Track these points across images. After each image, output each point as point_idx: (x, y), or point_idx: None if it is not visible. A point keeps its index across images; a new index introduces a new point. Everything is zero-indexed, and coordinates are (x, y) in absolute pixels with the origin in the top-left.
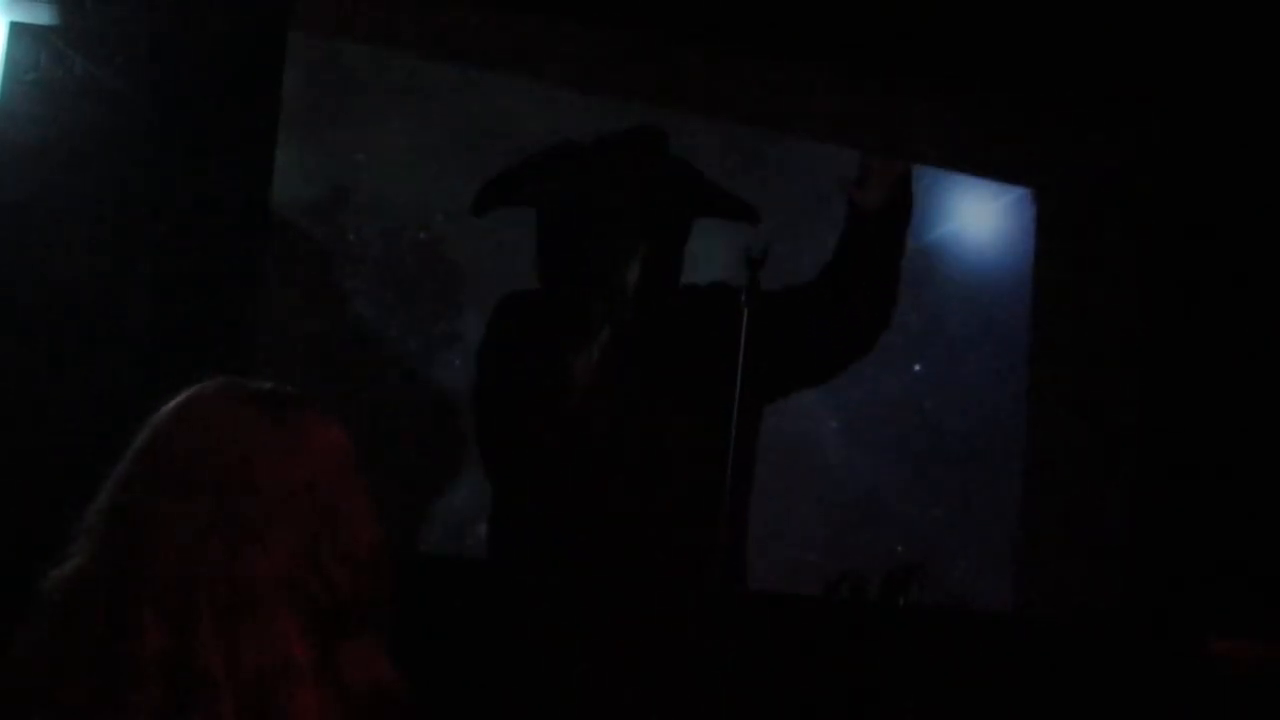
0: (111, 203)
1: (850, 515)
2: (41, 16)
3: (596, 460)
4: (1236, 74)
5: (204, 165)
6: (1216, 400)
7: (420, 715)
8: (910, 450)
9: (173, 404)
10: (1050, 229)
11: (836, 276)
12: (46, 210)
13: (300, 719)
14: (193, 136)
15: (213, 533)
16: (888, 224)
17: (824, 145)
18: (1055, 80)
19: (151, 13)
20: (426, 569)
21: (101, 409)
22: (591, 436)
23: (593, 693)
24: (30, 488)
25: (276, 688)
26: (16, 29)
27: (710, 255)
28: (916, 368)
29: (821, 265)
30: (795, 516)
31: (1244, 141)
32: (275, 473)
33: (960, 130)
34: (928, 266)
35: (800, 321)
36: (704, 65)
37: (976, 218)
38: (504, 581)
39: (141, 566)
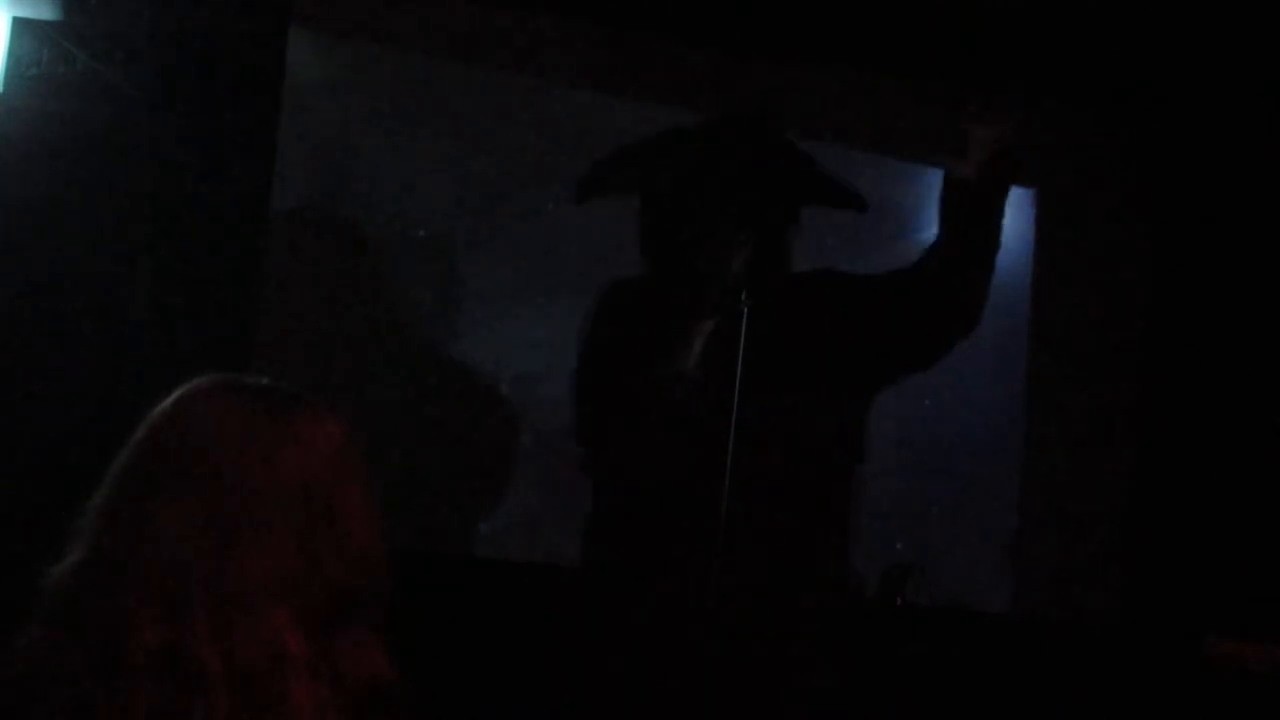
0: (113, 197)
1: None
2: (44, 12)
3: (702, 452)
4: (1237, 72)
5: (205, 161)
6: (1216, 399)
7: (418, 709)
8: (908, 449)
9: (167, 401)
10: (1049, 228)
11: (939, 251)
12: (48, 204)
13: (297, 713)
14: (194, 132)
15: (207, 529)
16: (988, 195)
17: (821, 144)
18: (1055, 79)
19: (153, 9)
20: (426, 566)
21: (102, 404)
22: (698, 428)
23: (591, 689)
24: (31, 484)
25: (272, 682)
26: (19, 24)
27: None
28: None
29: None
30: None
31: (1245, 140)
32: (270, 468)
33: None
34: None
35: (905, 302)
36: (706, 64)
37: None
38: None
39: (136, 563)
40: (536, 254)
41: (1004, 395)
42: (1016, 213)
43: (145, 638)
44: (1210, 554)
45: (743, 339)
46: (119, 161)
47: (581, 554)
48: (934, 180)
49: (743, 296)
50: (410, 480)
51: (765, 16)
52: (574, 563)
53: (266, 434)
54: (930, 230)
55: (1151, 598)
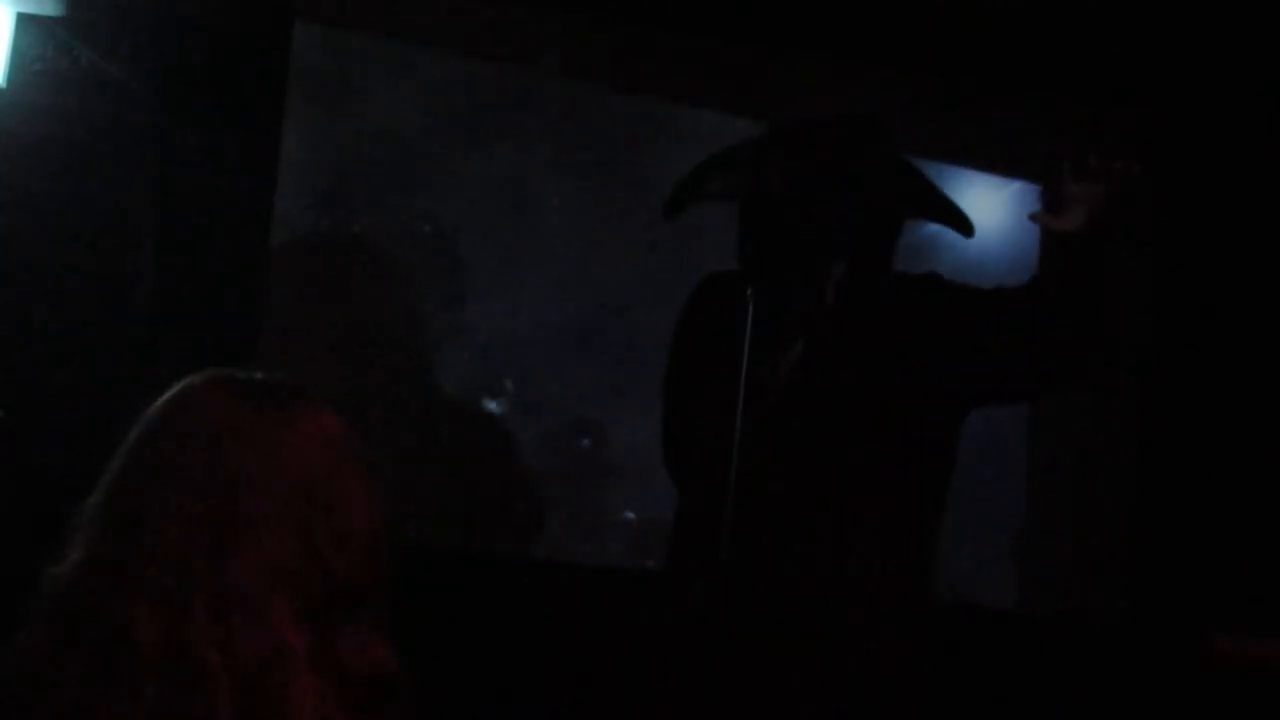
0: (116, 192)
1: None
2: (48, 7)
3: (787, 462)
4: (1238, 69)
5: (208, 156)
6: (1219, 397)
7: (419, 701)
8: None
9: (164, 398)
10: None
11: (1040, 296)
12: (52, 199)
13: (298, 707)
14: (197, 127)
15: (205, 525)
16: (1088, 248)
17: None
18: (1059, 73)
19: (157, 4)
20: (427, 560)
21: (104, 399)
22: (785, 438)
23: (588, 688)
24: (33, 482)
25: (273, 676)
26: (23, 19)
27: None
28: None
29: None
30: None
31: (1248, 137)
32: (267, 463)
33: (964, 123)
34: (929, 259)
35: (995, 324)
36: (704, 58)
37: (979, 211)
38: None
39: (135, 561)
40: (541, 250)
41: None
42: (1020, 206)
43: (145, 635)
44: (1214, 551)
45: (749, 328)
46: (122, 156)
47: (668, 558)
48: (934, 173)
49: (747, 291)
50: (412, 475)
51: (766, 10)
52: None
53: (263, 429)
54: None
55: (1156, 595)
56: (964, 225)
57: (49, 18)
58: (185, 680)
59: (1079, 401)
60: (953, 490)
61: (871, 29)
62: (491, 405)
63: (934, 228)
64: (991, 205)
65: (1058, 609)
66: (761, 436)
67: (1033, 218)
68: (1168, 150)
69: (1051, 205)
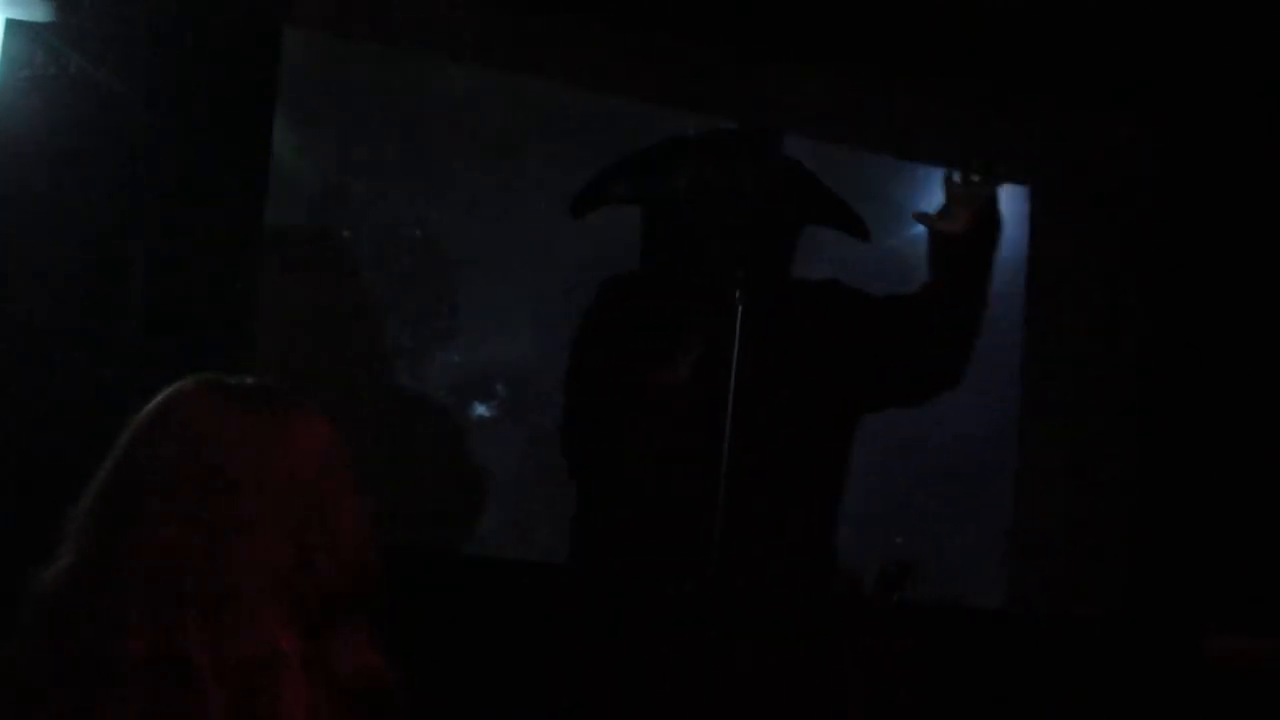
0: (107, 199)
1: (845, 510)
2: (37, 13)
3: (689, 459)
4: (1232, 68)
5: (199, 163)
6: (1214, 396)
7: (410, 706)
8: (906, 447)
9: (153, 403)
10: (1044, 224)
11: (924, 301)
12: (41, 206)
13: (289, 711)
14: (188, 134)
15: (195, 531)
16: (973, 250)
17: (815, 143)
18: (1049, 75)
19: (147, 10)
20: (418, 564)
21: (95, 406)
22: (687, 435)
23: (584, 689)
24: (28, 484)
25: (264, 681)
26: (12, 25)
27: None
28: None
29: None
30: None
31: (1240, 135)
32: (257, 468)
33: (954, 125)
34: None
35: (893, 334)
36: (700, 63)
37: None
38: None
39: (126, 566)
40: (535, 254)
41: (1001, 393)
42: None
43: (137, 640)
44: (1208, 551)
45: (738, 334)
46: (113, 163)
47: (571, 555)
48: (925, 175)
49: (738, 293)
50: (403, 477)
51: (758, 14)
52: (563, 562)
53: (254, 434)
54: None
55: (1149, 595)
56: (859, 229)
57: (38, 24)
58: (176, 685)
59: (1073, 401)
60: (849, 489)
61: (864, 31)
62: (481, 409)
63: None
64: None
65: (1051, 609)
66: (663, 435)
67: (916, 217)
68: (1164, 150)
69: (941, 210)
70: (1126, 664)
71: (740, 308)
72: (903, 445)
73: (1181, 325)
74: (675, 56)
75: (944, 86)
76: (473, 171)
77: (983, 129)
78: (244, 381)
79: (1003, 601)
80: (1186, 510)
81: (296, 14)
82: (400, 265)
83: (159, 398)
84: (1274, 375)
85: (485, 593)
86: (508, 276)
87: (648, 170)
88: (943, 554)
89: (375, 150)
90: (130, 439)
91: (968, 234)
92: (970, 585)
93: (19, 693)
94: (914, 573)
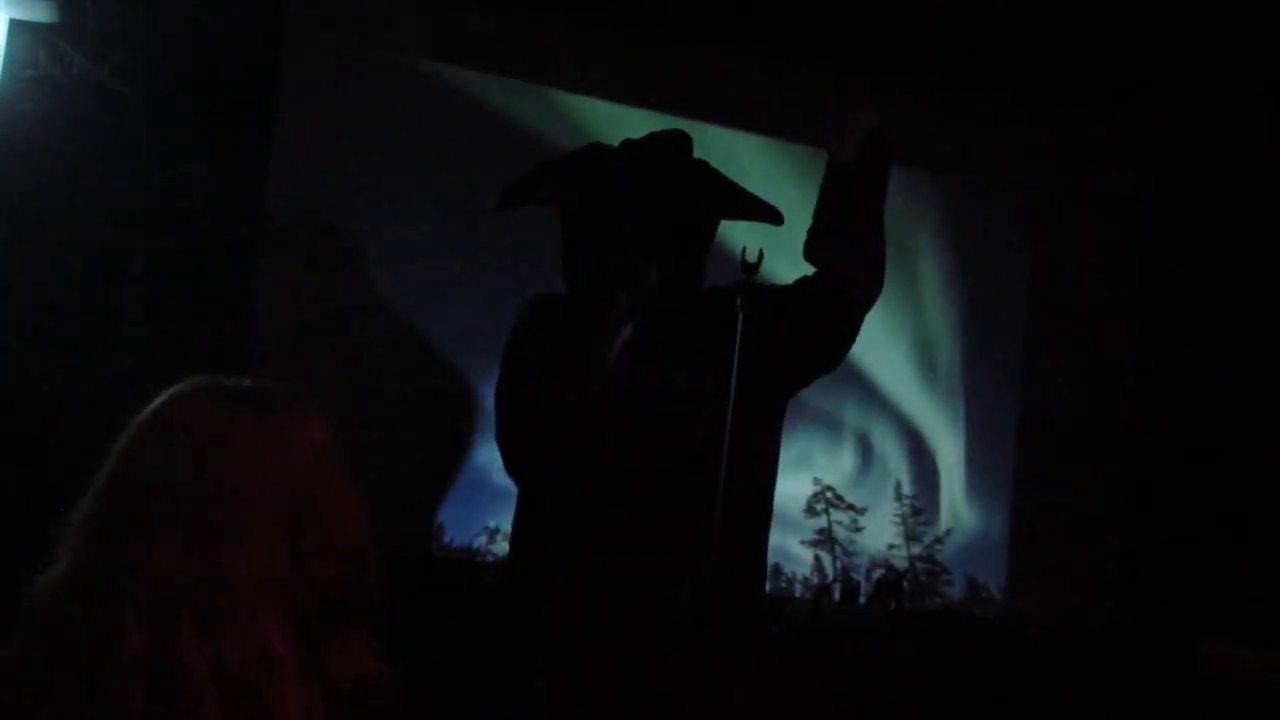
0: (108, 198)
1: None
2: (40, 14)
3: (614, 458)
4: (1230, 71)
5: (200, 164)
6: (1209, 404)
7: (407, 709)
8: (900, 451)
9: (150, 407)
10: (1044, 229)
11: (821, 237)
12: (44, 205)
13: (285, 716)
14: (189, 135)
15: (191, 535)
16: (866, 177)
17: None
18: (1048, 78)
19: (150, 12)
20: (414, 566)
21: (97, 405)
22: (611, 433)
23: (577, 691)
24: (27, 485)
25: (260, 685)
26: (16, 26)
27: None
28: None
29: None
30: None
31: (1238, 135)
32: (253, 472)
33: (955, 127)
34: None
35: (798, 306)
36: (695, 70)
37: (971, 212)
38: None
39: (123, 571)
40: (530, 255)
41: (995, 401)
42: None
43: (133, 645)
44: (1201, 559)
45: (738, 342)
46: (114, 163)
47: (509, 559)
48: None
49: (738, 301)
50: (401, 481)
51: (755, 19)
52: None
53: (250, 438)
54: (926, 226)
55: (1143, 603)
56: (772, 216)
57: (41, 25)
58: (172, 690)
59: (1068, 407)
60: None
61: (869, 35)
62: (476, 413)
63: (927, 232)
64: (983, 207)
65: (1045, 617)
66: (586, 435)
67: (817, 147)
68: (1161, 150)
69: (834, 136)
70: (1119, 672)
71: (740, 310)
72: (898, 450)
73: (1177, 331)
74: (675, 64)
75: (943, 89)
76: (467, 176)
77: (982, 132)
78: (242, 384)
79: (999, 610)
80: (1179, 518)
81: (297, 16)
82: (400, 263)
83: (157, 400)
84: (1269, 380)
85: (482, 596)
86: (507, 277)
87: (565, 173)
88: (939, 562)
89: (374, 151)
90: (128, 441)
91: (858, 163)
92: (966, 593)
93: (16, 696)
94: (908, 581)
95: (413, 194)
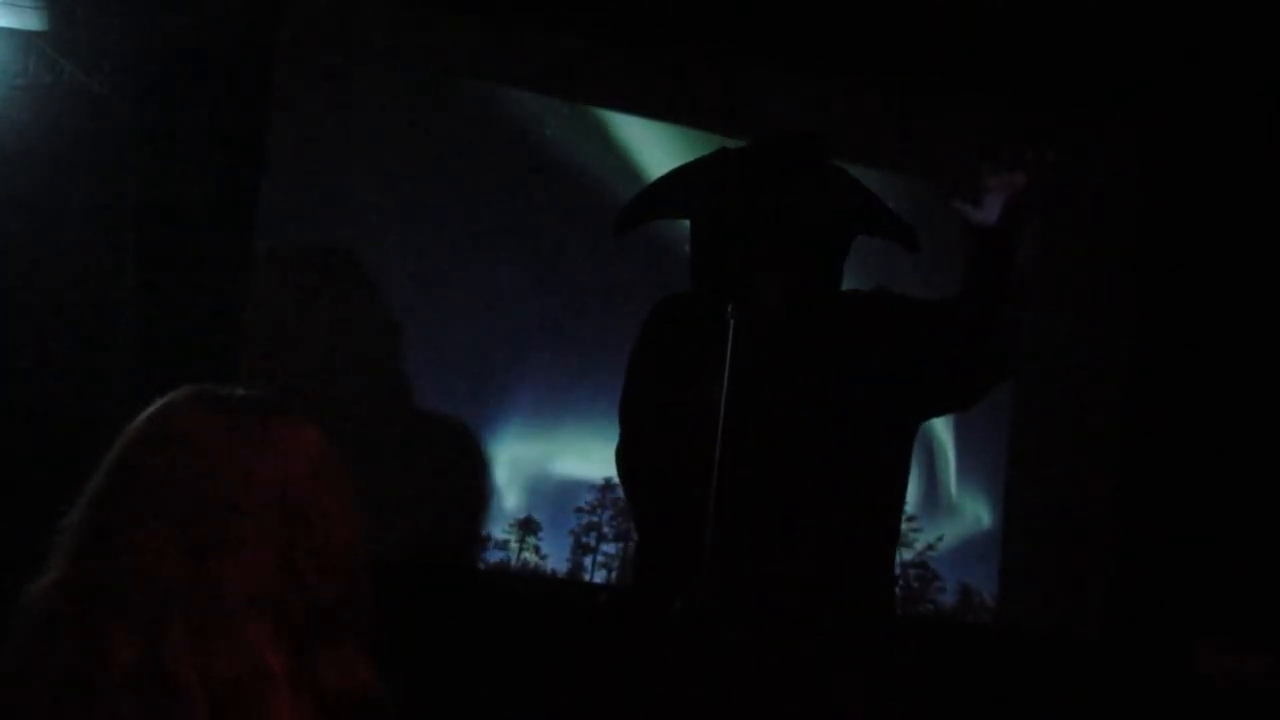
0: (99, 207)
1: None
2: (30, 22)
3: (740, 477)
4: (1224, 71)
5: (192, 171)
6: (1201, 409)
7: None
8: None
9: (143, 416)
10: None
11: (968, 296)
12: (34, 215)
13: None
14: (181, 143)
15: (183, 545)
16: (1006, 241)
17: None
18: (1041, 78)
19: (140, 20)
20: (409, 576)
21: (90, 413)
22: (736, 450)
23: (577, 697)
24: (20, 493)
25: (251, 697)
26: (5, 34)
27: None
28: None
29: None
30: None
31: (1232, 138)
32: (245, 482)
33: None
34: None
35: (937, 336)
36: (701, 77)
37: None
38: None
39: (114, 581)
40: (524, 262)
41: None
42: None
43: (123, 656)
44: (1193, 565)
45: (729, 350)
46: (105, 172)
47: (634, 576)
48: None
49: (729, 309)
50: (394, 489)
51: (753, 21)
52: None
53: (242, 447)
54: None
55: (1134, 610)
56: (909, 240)
57: (31, 32)
58: (163, 701)
59: (1059, 413)
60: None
61: (866, 34)
62: (473, 418)
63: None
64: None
65: (1035, 624)
66: (713, 450)
67: (953, 204)
68: (1157, 151)
69: (973, 198)
70: (1110, 679)
71: (731, 318)
72: None
73: (1168, 336)
74: (683, 71)
75: (939, 93)
76: (466, 177)
77: (976, 134)
78: (236, 393)
79: (990, 617)
80: (1171, 524)
81: (290, 23)
82: (393, 271)
83: (151, 409)
84: (1262, 385)
85: (477, 606)
86: (504, 282)
87: (693, 185)
88: (930, 568)
89: (367, 159)
90: (120, 451)
91: (999, 225)
92: (959, 600)
93: (5, 706)
94: (900, 588)
95: (406, 205)
